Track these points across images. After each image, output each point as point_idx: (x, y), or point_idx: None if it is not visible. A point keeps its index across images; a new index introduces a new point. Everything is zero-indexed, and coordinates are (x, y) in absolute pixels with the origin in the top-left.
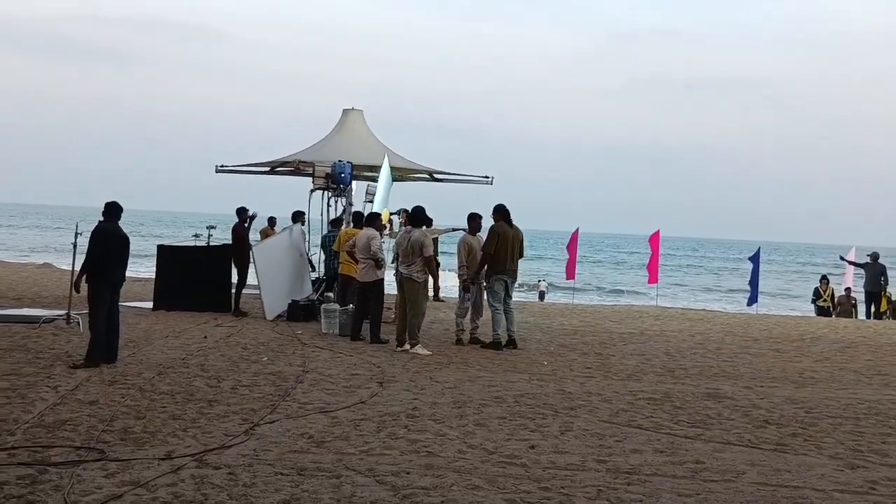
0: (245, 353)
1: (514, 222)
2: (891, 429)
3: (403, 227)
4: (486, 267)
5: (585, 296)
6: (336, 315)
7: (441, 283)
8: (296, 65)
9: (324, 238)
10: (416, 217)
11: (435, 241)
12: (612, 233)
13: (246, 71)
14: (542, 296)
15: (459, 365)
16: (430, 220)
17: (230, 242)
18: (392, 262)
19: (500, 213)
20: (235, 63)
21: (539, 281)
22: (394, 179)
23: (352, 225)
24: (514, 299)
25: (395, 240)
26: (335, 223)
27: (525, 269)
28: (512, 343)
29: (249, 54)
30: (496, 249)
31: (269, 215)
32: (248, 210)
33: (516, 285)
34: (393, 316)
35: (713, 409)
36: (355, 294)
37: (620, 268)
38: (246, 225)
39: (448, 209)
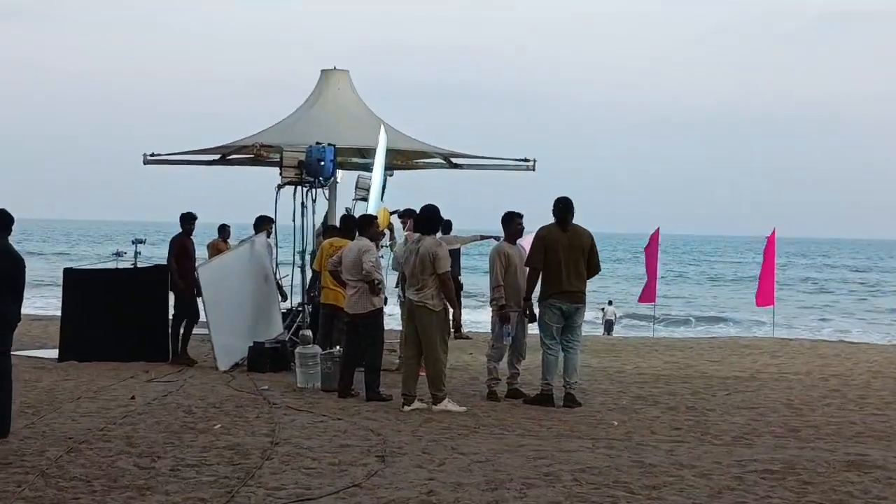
0: (189, 418)
1: (573, 222)
2: None
3: (408, 234)
4: (535, 289)
5: (670, 325)
6: (317, 362)
7: (464, 314)
8: (256, 7)
9: (313, 255)
10: (427, 220)
11: (455, 253)
12: (703, 234)
13: (177, 26)
14: (608, 326)
15: (493, 428)
16: (448, 224)
17: (166, 262)
18: (396, 286)
19: (556, 209)
20: (158, 8)
21: (603, 306)
22: (395, 167)
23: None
24: (576, 336)
25: (395, 252)
26: (329, 230)
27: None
28: (570, 399)
29: None
30: (545, 262)
31: (221, 223)
32: (195, 217)
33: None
34: (397, 361)
35: (857, 484)
36: (343, 332)
37: (717, 283)
38: (193, 237)
39: (473, 208)
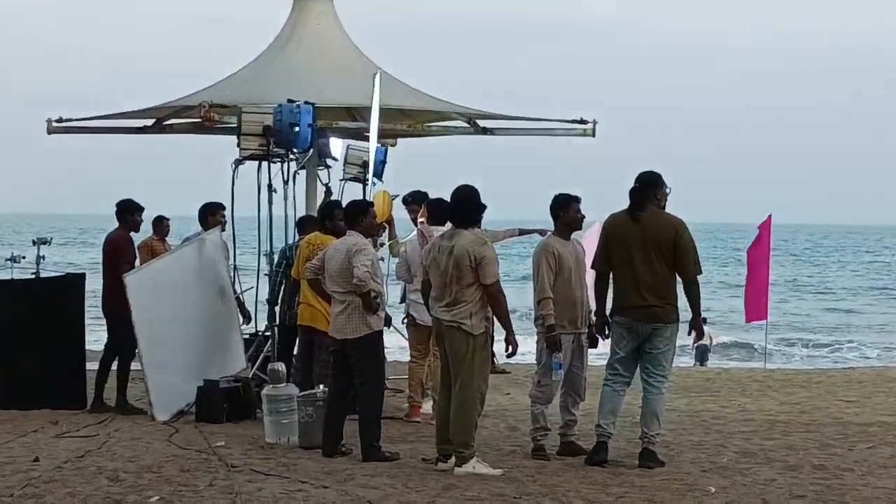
0: (115, 488)
1: (647, 206)
2: None
3: (421, 227)
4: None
5: (785, 352)
6: (292, 408)
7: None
8: None
9: (282, 254)
10: (463, 208)
11: None
12: (826, 223)
13: None
14: (702, 354)
15: (541, 499)
16: (481, 209)
17: (104, 271)
18: (402, 301)
19: (632, 189)
20: None
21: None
22: (399, 134)
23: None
24: (659, 368)
25: (402, 253)
26: (307, 223)
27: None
28: (648, 456)
29: None
30: (611, 265)
31: (156, 215)
32: (141, 208)
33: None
34: (408, 406)
35: None
36: (328, 365)
37: (851, 293)
38: (133, 233)
39: (509, 190)
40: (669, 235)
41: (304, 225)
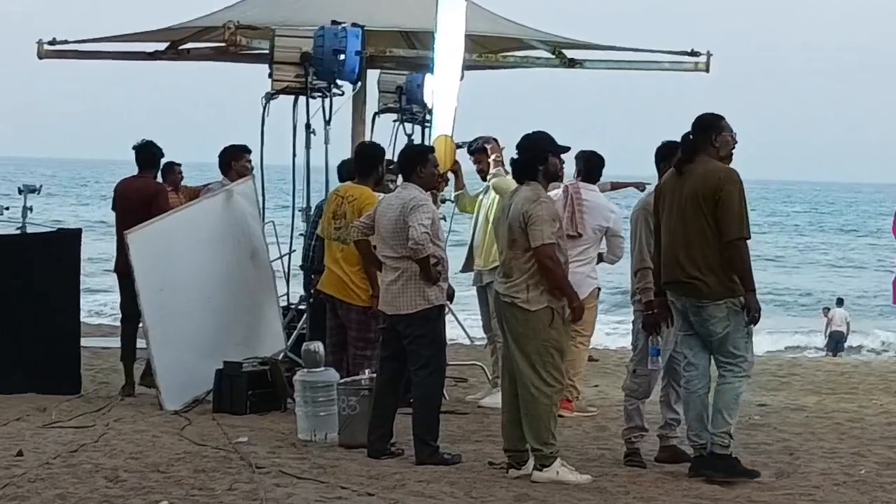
0: (115, 490)
1: (697, 156)
2: None
3: (491, 177)
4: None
5: None
6: (331, 397)
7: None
8: None
9: (318, 210)
10: (520, 160)
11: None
12: None
13: None
14: (836, 343)
15: None
16: (540, 160)
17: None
18: (462, 270)
19: (686, 133)
20: None
21: (828, 308)
22: (467, 66)
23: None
24: (746, 355)
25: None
26: (345, 168)
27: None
28: (705, 462)
29: None
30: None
31: (167, 160)
32: (162, 153)
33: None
34: (474, 398)
35: None
36: (364, 344)
37: None
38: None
39: (603, 137)
40: (711, 188)
41: (341, 171)
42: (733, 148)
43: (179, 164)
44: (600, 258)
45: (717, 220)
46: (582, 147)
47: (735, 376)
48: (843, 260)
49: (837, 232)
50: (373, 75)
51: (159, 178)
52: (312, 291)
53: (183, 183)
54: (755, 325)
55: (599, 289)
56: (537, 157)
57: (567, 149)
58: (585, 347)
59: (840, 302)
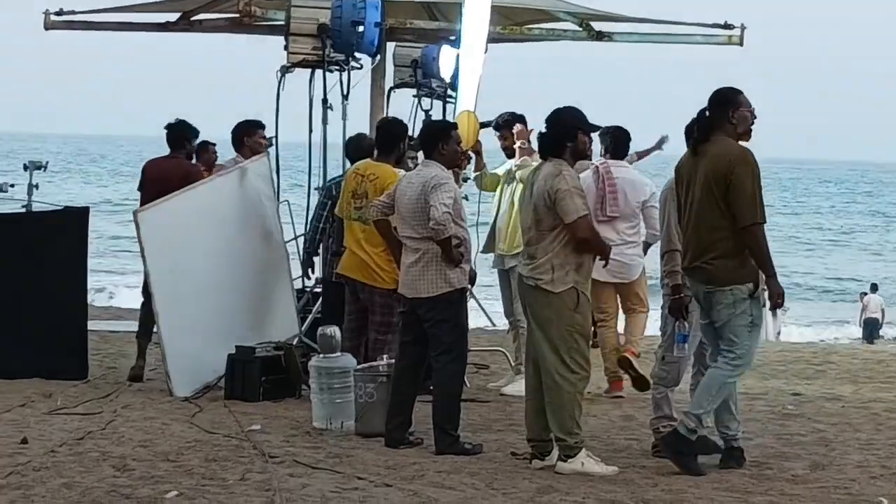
0: (123, 480)
1: (714, 135)
2: None
3: (516, 168)
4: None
5: None
6: (347, 384)
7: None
8: None
9: (327, 192)
10: (557, 134)
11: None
12: None
13: None
14: (871, 331)
15: None
16: (588, 141)
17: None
18: (483, 251)
19: (701, 109)
20: None
21: (865, 294)
22: (492, 39)
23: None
24: (744, 343)
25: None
26: (358, 144)
27: (835, 265)
28: (670, 441)
29: None
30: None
31: (202, 140)
32: (191, 133)
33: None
34: (497, 385)
35: None
36: (385, 328)
37: None
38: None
39: (632, 111)
40: (722, 171)
41: (353, 147)
42: (752, 124)
43: (214, 144)
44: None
45: (730, 204)
46: (610, 123)
47: (727, 363)
48: (876, 244)
49: (871, 215)
50: (390, 48)
51: (193, 160)
52: (326, 275)
53: (217, 162)
54: (778, 309)
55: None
56: (567, 133)
57: (598, 128)
58: (644, 314)
59: (875, 287)
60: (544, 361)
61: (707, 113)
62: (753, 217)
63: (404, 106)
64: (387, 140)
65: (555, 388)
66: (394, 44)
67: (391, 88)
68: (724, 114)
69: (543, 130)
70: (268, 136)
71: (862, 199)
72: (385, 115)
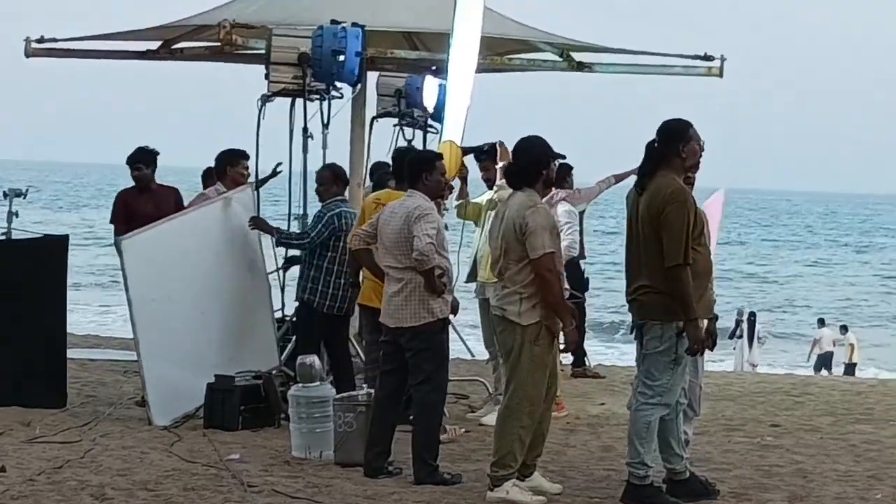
0: None
1: (659, 169)
2: None
3: (497, 189)
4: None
5: None
6: (326, 413)
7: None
8: None
9: (328, 221)
10: (529, 163)
11: (578, 217)
12: None
13: None
14: (824, 364)
15: None
16: (539, 166)
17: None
18: (466, 280)
19: (660, 137)
20: None
21: (820, 329)
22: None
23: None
24: (664, 381)
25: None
26: (381, 171)
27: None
28: (627, 492)
29: None
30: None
31: (206, 166)
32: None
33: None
34: (475, 415)
35: None
36: (371, 358)
37: None
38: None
39: (612, 140)
40: (656, 208)
41: (376, 175)
42: (700, 157)
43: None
44: None
45: (661, 241)
46: (585, 152)
47: (647, 402)
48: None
49: (835, 245)
50: (373, 77)
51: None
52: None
53: (200, 192)
54: (695, 356)
55: None
56: (540, 161)
57: (563, 156)
58: None
59: (822, 322)
60: (516, 385)
61: (656, 145)
62: (677, 258)
63: (385, 135)
64: (402, 169)
65: (505, 416)
66: (377, 73)
67: (374, 118)
68: (674, 147)
69: (512, 162)
70: (279, 166)
71: (830, 230)
72: (367, 144)
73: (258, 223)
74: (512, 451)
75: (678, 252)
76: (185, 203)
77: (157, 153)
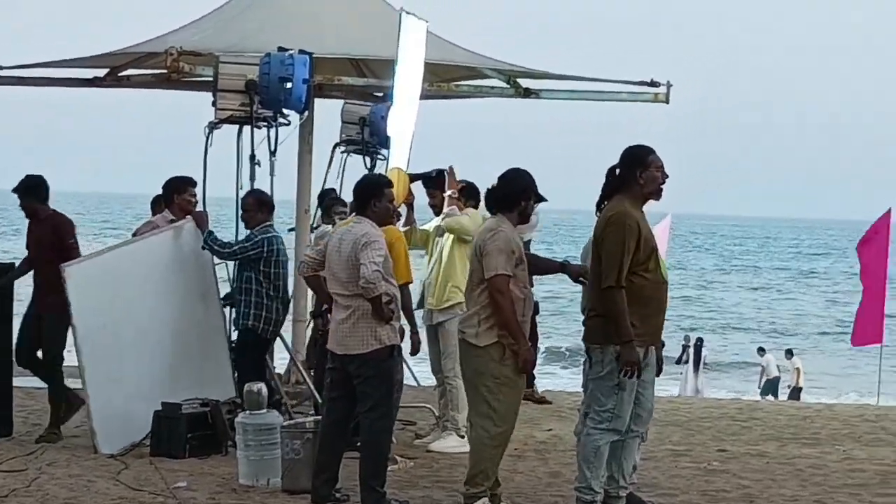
0: None
1: (616, 194)
2: None
3: (444, 216)
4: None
5: None
6: (274, 440)
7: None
8: None
9: (266, 243)
10: (512, 191)
11: (524, 247)
12: None
13: None
14: (771, 389)
15: None
16: (472, 191)
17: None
18: (416, 307)
19: (621, 162)
20: None
21: (763, 356)
22: (421, 95)
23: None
24: (610, 406)
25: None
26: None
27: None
28: None
29: None
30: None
31: (156, 194)
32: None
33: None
34: (424, 441)
35: None
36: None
37: None
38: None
39: (558, 167)
40: (599, 231)
41: (328, 204)
42: (662, 183)
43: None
44: None
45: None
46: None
47: (595, 427)
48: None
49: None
50: (321, 105)
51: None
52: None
53: (149, 219)
54: (631, 377)
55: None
56: (522, 192)
57: (545, 199)
58: None
59: (762, 350)
60: (471, 412)
61: (617, 171)
62: (609, 280)
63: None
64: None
65: (475, 438)
66: (343, 101)
67: (336, 144)
68: (633, 173)
69: (495, 185)
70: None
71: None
72: (329, 171)
73: (197, 216)
74: (483, 470)
75: (611, 274)
76: (135, 231)
77: (36, 182)
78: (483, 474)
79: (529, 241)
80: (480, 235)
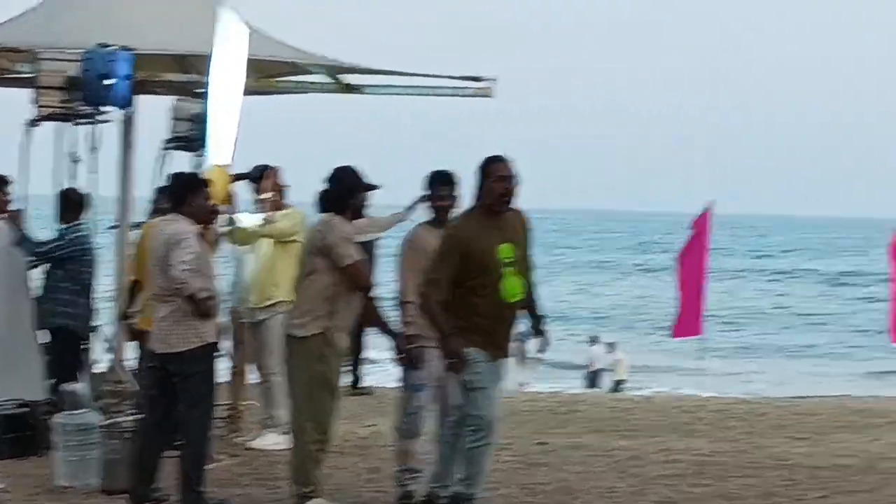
0: None
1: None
2: None
3: (266, 213)
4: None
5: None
6: (92, 440)
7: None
8: None
9: (70, 240)
10: (340, 191)
11: (367, 250)
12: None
13: None
14: (594, 379)
15: None
16: (343, 194)
17: None
18: (229, 302)
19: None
20: None
21: (591, 347)
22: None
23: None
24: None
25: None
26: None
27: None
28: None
29: None
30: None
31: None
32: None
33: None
34: (248, 438)
35: None
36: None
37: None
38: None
39: (387, 165)
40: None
41: (158, 199)
42: (505, 195)
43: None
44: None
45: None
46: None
47: (467, 431)
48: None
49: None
50: (145, 101)
51: None
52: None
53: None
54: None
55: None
56: (350, 190)
57: (375, 187)
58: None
59: (594, 340)
60: (292, 409)
61: (491, 162)
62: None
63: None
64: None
65: (298, 435)
66: (175, 97)
67: (167, 141)
68: (481, 182)
69: (325, 189)
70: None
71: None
72: (162, 168)
73: (13, 215)
74: (305, 469)
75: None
76: None
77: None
78: (306, 473)
79: (375, 239)
80: (317, 232)
